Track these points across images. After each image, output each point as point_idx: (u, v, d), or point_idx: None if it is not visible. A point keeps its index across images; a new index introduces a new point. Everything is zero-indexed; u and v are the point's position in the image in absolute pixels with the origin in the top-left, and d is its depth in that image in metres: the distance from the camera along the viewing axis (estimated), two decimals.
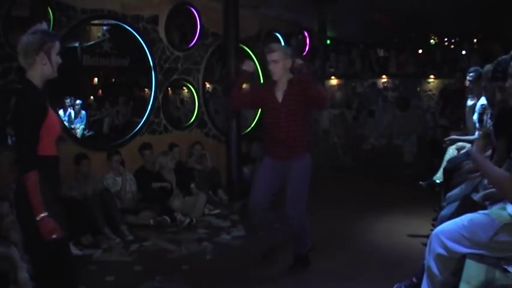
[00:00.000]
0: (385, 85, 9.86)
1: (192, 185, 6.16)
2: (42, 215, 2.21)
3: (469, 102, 4.97)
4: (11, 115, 2.40)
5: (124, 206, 5.45)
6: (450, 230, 2.46)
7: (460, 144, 5.09)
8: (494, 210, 2.43)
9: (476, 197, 2.96)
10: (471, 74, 4.77)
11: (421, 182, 5.41)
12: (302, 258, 4.07)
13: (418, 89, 9.54)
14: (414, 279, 3.08)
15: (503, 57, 2.62)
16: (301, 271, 3.99)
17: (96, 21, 6.89)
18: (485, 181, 3.15)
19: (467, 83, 4.87)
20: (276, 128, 3.84)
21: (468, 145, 4.87)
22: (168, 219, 5.44)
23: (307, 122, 4.05)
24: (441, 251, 2.47)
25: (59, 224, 2.28)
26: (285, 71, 3.84)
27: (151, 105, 6.54)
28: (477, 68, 4.73)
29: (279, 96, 3.84)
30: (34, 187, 2.22)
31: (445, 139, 5.03)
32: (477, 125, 4.53)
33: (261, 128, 5.31)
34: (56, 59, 2.45)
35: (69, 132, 5.95)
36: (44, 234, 2.20)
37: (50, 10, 5.13)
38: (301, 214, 3.85)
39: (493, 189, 2.81)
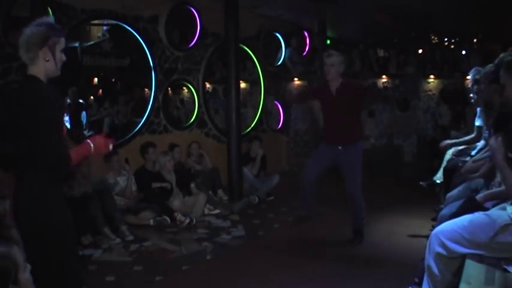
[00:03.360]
0: (385, 85, 9.87)
1: (192, 185, 6.16)
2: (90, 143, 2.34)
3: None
4: (13, 114, 2.25)
5: (128, 204, 5.47)
6: (450, 230, 2.46)
7: (459, 148, 5.08)
8: (494, 211, 2.43)
9: (478, 197, 2.95)
10: (474, 75, 4.76)
11: (421, 182, 5.41)
12: (359, 232, 4.74)
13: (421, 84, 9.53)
14: (416, 279, 3.09)
15: (503, 55, 2.60)
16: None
17: (96, 21, 6.89)
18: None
19: (469, 84, 4.86)
20: (332, 117, 4.66)
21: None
22: (168, 219, 5.44)
23: (359, 116, 4.80)
24: (441, 250, 2.47)
25: (69, 226, 2.29)
26: (338, 74, 4.61)
27: (151, 105, 6.55)
28: (478, 68, 4.72)
29: (333, 90, 4.60)
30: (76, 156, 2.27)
31: (441, 144, 4.96)
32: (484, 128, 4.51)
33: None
34: (60, 56, 2.30)
35: (69, 132, 5.95)
36: (103, 149, 2.38)
37: (50, 10, 5.13)
38: (358, 192, 4.62)
39: (494, 190, 2.81)
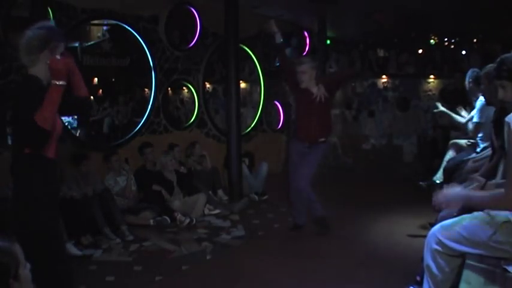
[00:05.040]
0: (385, 85, 9.88)
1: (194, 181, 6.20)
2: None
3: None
4: (10, 108, 2.30)
5: (128, 204, 5.47)
6: (448, 229, 2.46)
7: (460, 144, 5.09)
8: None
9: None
10: (469, 76, 4.78)
11: (421, 183, 5.41)
12: (321, 221, 4.97)
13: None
14: (418, 278, 3.09)
15: (507, 55, 2.61)
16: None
17: (96, 21, 6.89)
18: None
19: (467, 86, 4.87)
20: (309, 115, 4.75)
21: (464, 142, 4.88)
22: (168, 219, 5.44)
23: (330, 115, 5.11)
24: (438, 248, 2.47)
25: (56, 227, 2.28)
26: (311, 79, 4.76)
27: (151, 105, 6.55)
28: (475, 69, 4.74)
29: (314, 91, 4.75)
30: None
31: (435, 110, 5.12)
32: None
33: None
34: None
35: (69, 132, 5.95)
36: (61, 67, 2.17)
37: (50, 10, 5.13)
38: (308, 187, 4.81)
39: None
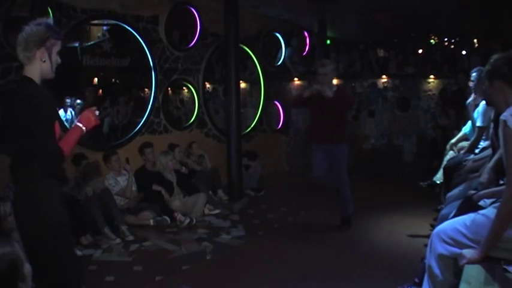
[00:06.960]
0: (385, 85, 9.87)
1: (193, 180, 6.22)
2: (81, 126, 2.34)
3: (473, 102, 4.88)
4: (11, 114, 2.27)
5: (128, 204, 5.47)
6: (452, 229, 2.46)
7: (460, 144, 5.09)
8: (492, 209, 2.42)
9: (476, 196, 2.94)
10: (474, 75, 4.77)
11: (421, 183, 5.41)
12: (346, 220, 5.13)
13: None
14: (416, 280, 3.09)
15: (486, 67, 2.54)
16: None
17: (96, 21, 6.89)
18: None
19: (470, 84, 4.86)
20: (322, 119, 4.88)
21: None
22: (168, 219, 5.44)
23: (345, 120, 5.28)
24: (443, 250, 2.46)
25: (66, 224, 2.28)
26: (331, 82, 4.94)
27: (151, 105, 6.55)
28: (480, 67, 4.72)
29: (329, 94, 4.81)
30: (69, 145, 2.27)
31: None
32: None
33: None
34: (56, 59, 2.30)
35: None
36: (92, 121, 2.37)
37: (50, 10, 5.13)
38: (345, 184, 4.99)
39: (491, 189, 2.80)
